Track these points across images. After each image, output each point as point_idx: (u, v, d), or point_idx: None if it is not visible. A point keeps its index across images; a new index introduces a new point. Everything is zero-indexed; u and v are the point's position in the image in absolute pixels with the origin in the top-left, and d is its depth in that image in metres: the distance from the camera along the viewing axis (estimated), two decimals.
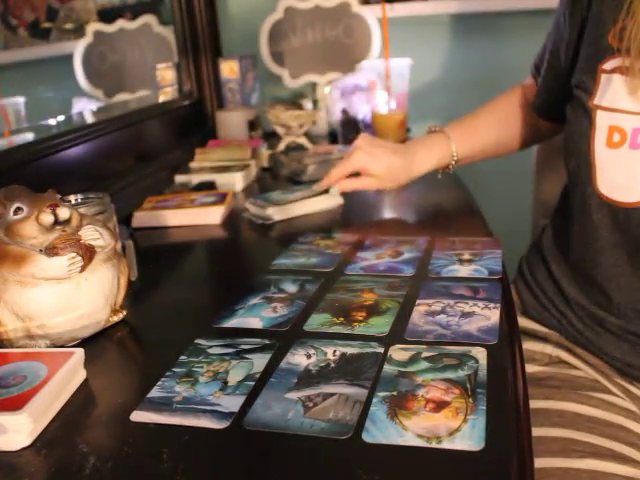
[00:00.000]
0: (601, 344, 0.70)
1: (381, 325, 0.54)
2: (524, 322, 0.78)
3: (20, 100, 1.29)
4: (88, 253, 0.53)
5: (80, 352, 0.48)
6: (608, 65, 0.63)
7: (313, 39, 1.62)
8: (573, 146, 0.68)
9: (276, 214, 0.89)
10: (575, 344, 0.73)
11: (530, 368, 0.73)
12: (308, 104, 1.57)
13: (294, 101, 1.57)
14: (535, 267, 0.79)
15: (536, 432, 0.64)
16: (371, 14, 1.58)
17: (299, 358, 0.49)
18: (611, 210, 0.64)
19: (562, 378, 0.71)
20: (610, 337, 0.69)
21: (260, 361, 0.49)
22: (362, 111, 1.39)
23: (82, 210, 0.57)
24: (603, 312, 0.69)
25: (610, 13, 0.64)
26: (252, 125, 1.43)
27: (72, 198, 0.69)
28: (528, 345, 0.76)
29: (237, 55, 1.56)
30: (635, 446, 0.63)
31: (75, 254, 0.52)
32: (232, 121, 1.46)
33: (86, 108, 1.51)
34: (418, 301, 0.58)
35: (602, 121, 0.63)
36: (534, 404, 0.67)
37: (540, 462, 0.60)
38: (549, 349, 0.74)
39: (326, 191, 0.93)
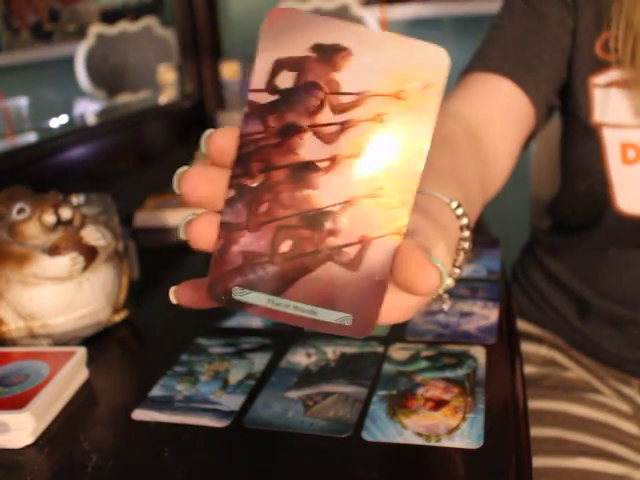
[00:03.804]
0: (598, 339, 0.69)
1: (381, 324, 0.54)
2: (519, 324, 0.78)
3: (23, 101, 1.30)
4: (90, 253, 0.53)
5: (82, 351, 0.49)
6: (601, 79, 0.60)
7: None
8: (583, 167, 0.65)
9: None
10: (570, 345, 0.73)
11: (524, 369, 0.73)
12: None
13: None
14: (530, 269, 0.78)
15: None
16: (371, 16, 1.58)
17: (299, 357, 0.49)
18: (634, 224, 0.63)
19: (555, 379, 0.71)
20: (609, 331, 0.69)
21: (260, 360, 0.49)
22: None
23: (84, 210, 0.57)
24: (608, 302, 0.68)
25: (591, 20, 0.59)
26: None
27: (74, 198, 0.70)
28: (523, 346, 0.75)
29: (238, 56, 1.56)
30: (627, 445, 0.63)
31: (77, 254, 0.52)
32: (233, 122, 1.46)
33: (88, 109, 1.51)
34: None
35: (611, 139, 0.60)
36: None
37: (532, 462, 0.61)
38: (543, 350, 0.74)
39: None
